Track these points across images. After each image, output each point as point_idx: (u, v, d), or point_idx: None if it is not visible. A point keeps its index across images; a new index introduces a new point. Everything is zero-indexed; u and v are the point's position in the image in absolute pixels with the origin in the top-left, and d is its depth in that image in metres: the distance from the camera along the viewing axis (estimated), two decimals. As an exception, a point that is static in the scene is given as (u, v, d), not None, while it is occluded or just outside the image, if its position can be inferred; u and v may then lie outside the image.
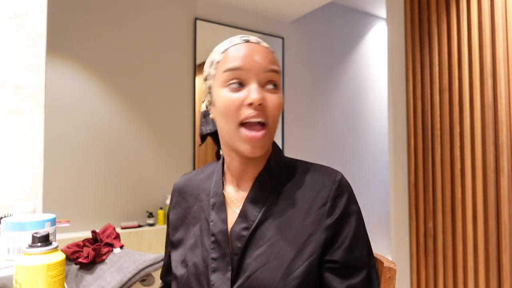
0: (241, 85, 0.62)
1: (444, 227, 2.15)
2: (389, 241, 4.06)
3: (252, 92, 0.60)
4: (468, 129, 2.02)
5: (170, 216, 0.78)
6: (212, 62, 0.66)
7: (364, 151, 4.02)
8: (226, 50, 0.64)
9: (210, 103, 0.68)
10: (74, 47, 2.58)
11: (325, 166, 0.68)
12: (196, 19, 3.06)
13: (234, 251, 0.63)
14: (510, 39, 1.85)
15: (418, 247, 2.31)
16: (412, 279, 2.33)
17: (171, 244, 0.76)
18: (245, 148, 0.62)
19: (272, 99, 0.62)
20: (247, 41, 0.64)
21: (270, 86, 0.63)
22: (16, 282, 0.57)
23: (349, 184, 0.66)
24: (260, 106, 0.61)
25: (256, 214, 0.64)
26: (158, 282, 0.90)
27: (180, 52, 3.01)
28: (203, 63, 3.12)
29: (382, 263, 0.72)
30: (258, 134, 0.61)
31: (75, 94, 2.58)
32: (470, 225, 2.00)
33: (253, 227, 0.63)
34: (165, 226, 2.71)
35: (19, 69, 1.11)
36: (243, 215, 0.65)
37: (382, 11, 4.09)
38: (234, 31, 3.23)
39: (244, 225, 0.64)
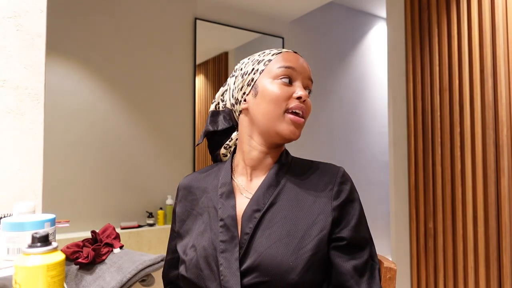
0: (290, 82, 0.73)
1: (445, 227, 2.15)
2: (389, 241, 4.06)
3: (301, 89, 0.73)
4: (469, 129, 2.02)
5: (177, 210, 0.81)
6: (261, 61, 0.76)
7: (364, 151, 4.02)
8: (279, 53, 0.75)
9: (246, 94, 0.76)
10: (74, 47, 2.58)
11: (327, 163, 0.77)
12: (196, 19, 3.06)
13: (245, 231, 0.67)
14: (510, 38, 1.85)
15: (418, 247, 2.31)
16: (412, 279, 2.33)
17: (178, 236, 0.79)
18: (289, 129, 0.71)
19: (308, 101, 0.74)
20: (295, 52, 0.77)
21: (307, 91, 0.75)
22: (15, 283, 0.57)
23: (350, 178, 0.75)
24: (304, 102, 0.72)
25: (268, 197, 0.70)
26: (158, 282, 0.90)
27: (180, 52, 3.01)
28: (203, 63, 3.12)
29: (383, 263, 0.71)
30: (301, 119, 0.72)
31: (75, 94, 2.58)
32: (470, 225, 2.00)
33: (264, 209, 0.69)
34: (165, 226, 2.71)
35: (19, 69, 1.11)
36: (255, 199, 0.70)
37: (382, 11, 4.09)
38: (234, 31, 3.23)
39: (255, 207, 0.69)
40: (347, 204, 0.70)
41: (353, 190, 0.72)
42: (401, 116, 2.42)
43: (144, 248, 2.55)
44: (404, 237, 2.37)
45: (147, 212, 2.76)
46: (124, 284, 0.81)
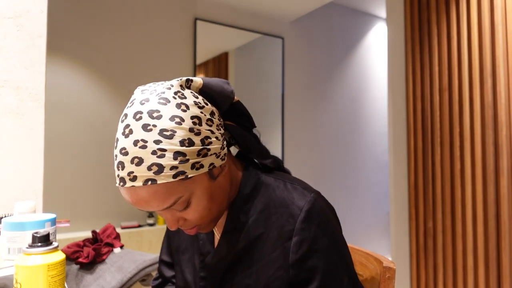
0: None
1: (444, 227, 2.15)
2: (389, 241, 4.06)
3: (166, 220, 0.58)
4: (468, 129, 2.02)
5: None
6: None
7: (364, 151, 4.02)
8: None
9: None
10: (74, 47, 2.58)
11: (299, 188, 0.62)
12: (196, 19, 3.06)
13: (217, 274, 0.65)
14: (509, 39, 1.85)
15: (418, 247, 2.31)
16: (412, 279, 2.34)
17: (170, 246, 0.78)
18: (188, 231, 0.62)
19: (188, 214, 0.57)
20: (123, 184, 0.51)
21: (178, 209, 0.56)
22: (16, 282, 0.57)
23: (322, 211, 0.59)
24: (182, 224, 0.59)
25: (231, 248, 0.63)
26: (158, 282, 0.90)
27: (180, 52, 3.01)
28: (203, 63, 3.12)
29: (382, 262, 0.72)
30: (191, 231, 0.60)
31: (75, 94, 2.58)
32: (470, 225, 2.00)
33: (227, 261, 0.63)
34: (165, 226, 2.72)
35: (19, 69, 1.11)
36: (219, 247, 0.64)
37: (382, 11, 4.09)
38: (234, 31, 3.23)
39: (220, 256, 0.64)
40: (309, 256, 0.56)
41: (318, 235, 0.57)
42: (401, 116, 2.42)
43: (144, 247, 2.55)
44: (403, 236, 2.38)
45: (147, 211, 2.77)
46: (125, 284, 0.81)
